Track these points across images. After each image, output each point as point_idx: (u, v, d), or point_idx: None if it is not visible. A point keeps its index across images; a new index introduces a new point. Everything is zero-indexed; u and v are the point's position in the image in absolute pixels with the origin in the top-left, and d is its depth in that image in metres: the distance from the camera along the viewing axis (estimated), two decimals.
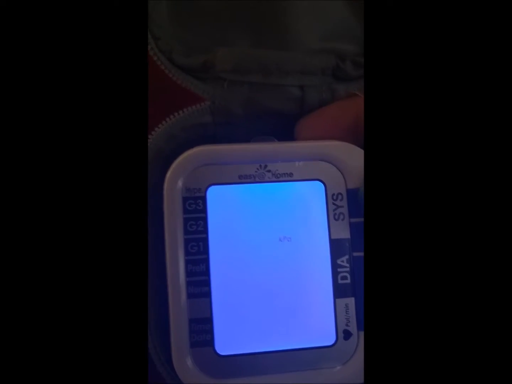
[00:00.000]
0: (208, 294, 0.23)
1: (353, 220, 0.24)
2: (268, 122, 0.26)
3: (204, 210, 0.23)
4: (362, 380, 0.24)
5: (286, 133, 0.26)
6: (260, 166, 0.24)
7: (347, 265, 0.24)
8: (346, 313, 0.24)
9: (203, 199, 0.23)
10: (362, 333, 0.24)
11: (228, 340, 0.23)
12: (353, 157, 0.24)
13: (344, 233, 0.24)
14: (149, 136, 0.25)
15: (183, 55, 0.25)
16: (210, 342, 0.23)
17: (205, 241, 0.23)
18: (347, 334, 0.24)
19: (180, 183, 0.23)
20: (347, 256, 0.24)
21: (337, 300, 0.24)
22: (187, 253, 0.23)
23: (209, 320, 0.23)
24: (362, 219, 0.24)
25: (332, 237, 0.24)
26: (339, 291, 0.24)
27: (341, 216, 0.24)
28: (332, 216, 0.24)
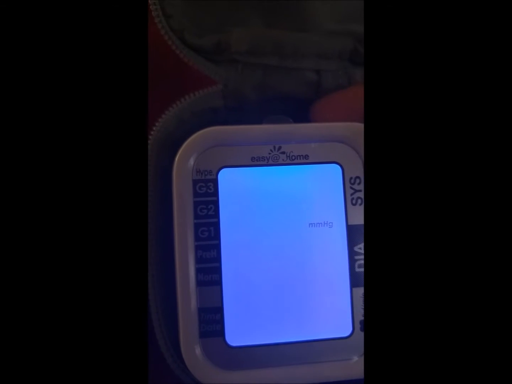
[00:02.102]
0: (218, 282, 0.22)
1: None
2: (281, 107, 0.26)
3: (215, 194, 0.22)
4: None
5: (301, 118, 0.25)
6: (274, 147, 0.23)
7: None
8: (363, 303, 0.23)
9: (215, 182, 0.22)
10: None
11: (239, 331, 0.22)
12: None
13: (361, 219, 0.23)
14: (159, 120, 0.24)
15: (196, 35, 0.24)
16: (220, 333, 0.22)
17: (216, 226, 0.22)
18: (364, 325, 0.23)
19: (190, 165, 0.22)
20: None
21: (353, 289, 0.23)
22: (197, 238, 0.22)
23: (219, 310, 0.22)
24: None
25: (349, 223, 0.23)
26: (356, 280, 0.23)
27: (359, 201, 0.23)
28: (350, 200, 0.23)
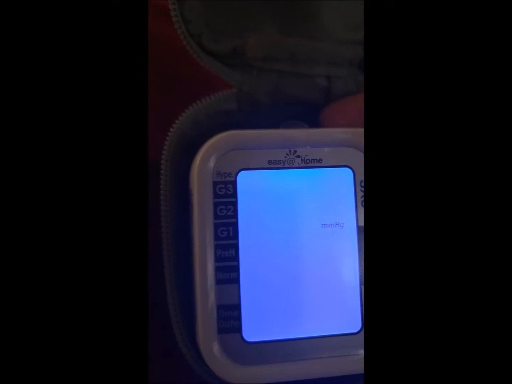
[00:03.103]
0: (236, 280, 0.23)
1: None
2: (293, 111, 0.27)
3: (234, 195, 0.23)
4: None
5: (310, 122, 0.26)
6: (290, 151, 0.24)
7: None
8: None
9: (234, 183, 0.23)
10: None
11: (256, 327, 0.23)
12: None
13: None
14: (175, 121, 0.25)
15: (213, 40, 0.25)
16: (238, 329, 0.23)
17: (235, 226, 0.23)
18: None
19: (210, 167, 0.23)
20: None
21: (363, 287, 0.24)
22: (216, 238, 0.23)
23: (237, 307, 0.23)
24: None
25: (360, 223, 0.24)
26: None
27: None
28: (360, 202, 0.24)
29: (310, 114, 0.26)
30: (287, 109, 0.26)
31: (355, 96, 0.26)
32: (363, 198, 0.24)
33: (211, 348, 0.23)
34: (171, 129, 0.25)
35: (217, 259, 0.23)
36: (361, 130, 0.24)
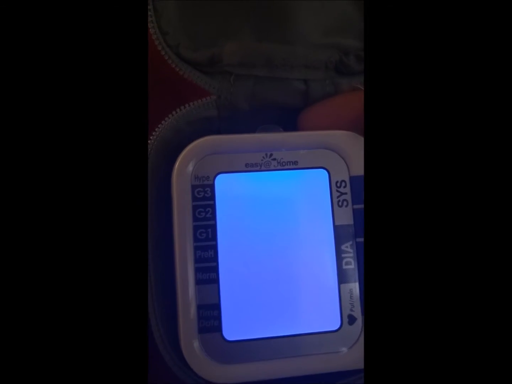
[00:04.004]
0: (216, 281, 0.24)
1: (356, 206, 0.25)
2: (272, 116, 0.27)
3: (212, 198, 0.24)
4: None
5: (290, 126, 0.27)
6: (266, 154, 0.25)
7: (351, 250, 0.24)
8: (351, 298, 0.24)
9: (212, 186, 0.24)
10: None
11: (236, 326, 0.24)
12: (356, 145, 0.25)
13: (347, 220, 0.25)
14: (156, 129, 0.26)
15: (191, 49, 0.26)
16: (218, 328, 0.24)
17: (214, 227, 0.24)
18: (351, 319, 0.24)
19: (189, 171, 0.24)
20: (350, 242, 0.24)
21: (341, 285, 0.24)
22: (196, 239, 0.24)
23: (217, 306, 0.24)
24: None
25: (336, 223, 0.25)
26: (343, 277, 0.24)
27: (345, 203, 0.25)
28: (336, 203, 0.25)
29: (289, 118, 0.27)
30: (266, 113, 0.27)
31: (333, 99, 0.27)
32: (338, 198, 0.25)
33: (192, 347, 0.23)
34: (152, 137, 0.25)
35: (197, 260, 0.24)
36: (335, 132, 0.25)
